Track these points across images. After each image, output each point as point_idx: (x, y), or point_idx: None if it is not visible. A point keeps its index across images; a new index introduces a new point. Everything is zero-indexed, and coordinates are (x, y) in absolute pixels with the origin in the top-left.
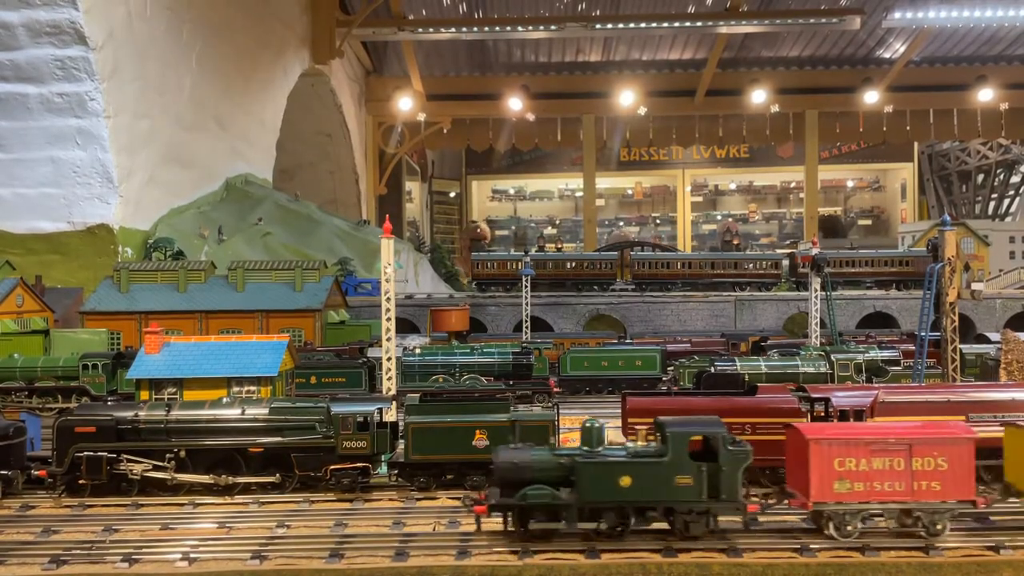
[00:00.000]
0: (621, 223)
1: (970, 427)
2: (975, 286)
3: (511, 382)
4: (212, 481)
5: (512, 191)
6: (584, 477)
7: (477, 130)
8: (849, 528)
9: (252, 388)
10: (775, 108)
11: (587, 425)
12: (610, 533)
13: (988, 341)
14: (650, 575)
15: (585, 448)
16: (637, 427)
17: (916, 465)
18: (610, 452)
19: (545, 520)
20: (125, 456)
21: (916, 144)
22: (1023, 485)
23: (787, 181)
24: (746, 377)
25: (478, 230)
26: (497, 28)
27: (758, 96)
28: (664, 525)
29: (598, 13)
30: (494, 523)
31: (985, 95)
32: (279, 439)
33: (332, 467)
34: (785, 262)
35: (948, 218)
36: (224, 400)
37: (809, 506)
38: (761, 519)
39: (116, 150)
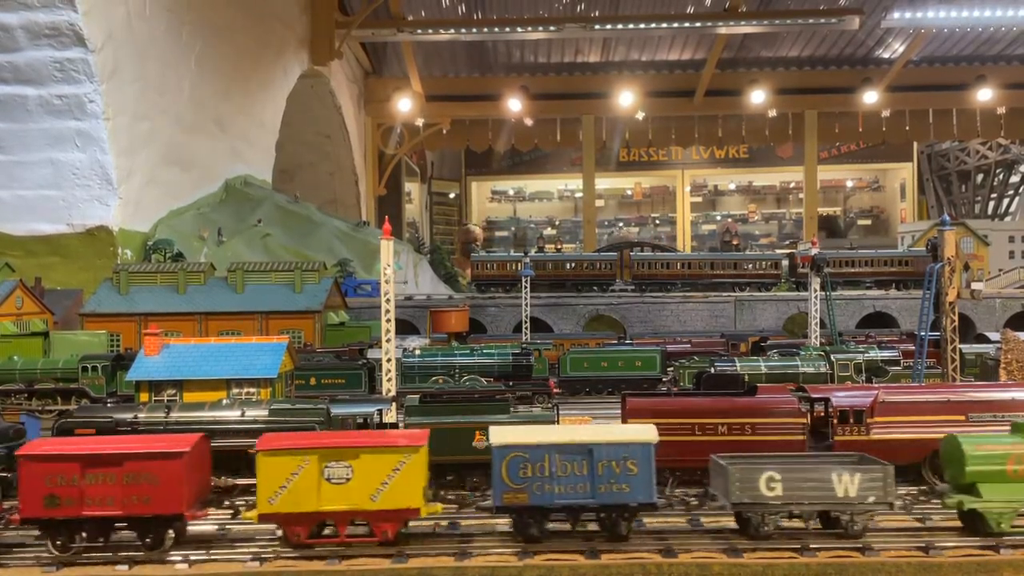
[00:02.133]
0: (621, 224)
1: (188, 441)
2: (975, 286)
3: (511, 383)
4: (212, 483)
5: (512, 192)
6: None
7: (477, 131)
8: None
9: (252, 390)
10: (773, 112)
11: None
12: None
13: (988, 341)
14: (650, 575)
15: None
16: None
17: (127, 480)
18: None
19: None
20: None
21: (915, 144)
22: (263, 507)
23: (787, 181)
24: (746, 377)
25: (469, 232)
26: (496, 29)
27: (757, 96)
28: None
29: (597, 14)
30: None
31: (984, 95)
32: None
33: None
34: (785, 262)
35: (947, 218)
36: (224, 402)
37: (17, 520)
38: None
39: (115, 152)
